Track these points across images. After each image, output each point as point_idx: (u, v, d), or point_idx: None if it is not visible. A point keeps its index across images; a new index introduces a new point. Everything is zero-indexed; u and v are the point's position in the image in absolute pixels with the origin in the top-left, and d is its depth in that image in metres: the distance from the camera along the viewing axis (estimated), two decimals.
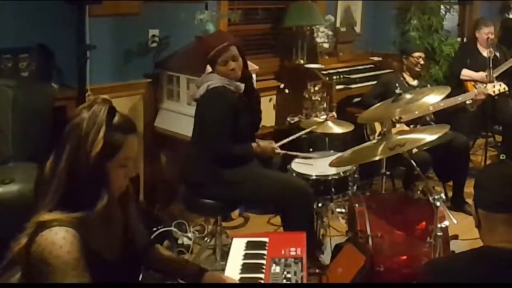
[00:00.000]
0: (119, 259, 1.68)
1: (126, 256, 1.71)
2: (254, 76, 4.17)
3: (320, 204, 3.31)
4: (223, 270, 2.00)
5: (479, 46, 5.21)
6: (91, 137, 1.54)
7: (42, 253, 1.47)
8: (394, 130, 3.94)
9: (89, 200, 1.54)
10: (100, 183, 1.56)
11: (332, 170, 3.20)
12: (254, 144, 3.10)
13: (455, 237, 2.87)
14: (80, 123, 1.56)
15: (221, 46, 3.00)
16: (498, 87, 4.30)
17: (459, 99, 4.16)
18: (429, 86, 4.32)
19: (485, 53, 5.03)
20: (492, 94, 4.32)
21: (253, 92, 3.24)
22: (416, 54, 4.45)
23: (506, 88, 4.35)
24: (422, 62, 4.46)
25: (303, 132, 3.55)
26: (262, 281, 1.89)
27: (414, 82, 4.47)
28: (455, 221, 2.75)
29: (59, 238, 1.47)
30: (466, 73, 5.09)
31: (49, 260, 1.46)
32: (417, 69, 4.46)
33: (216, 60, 3.02)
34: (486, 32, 5.14)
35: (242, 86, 3.08)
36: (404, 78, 4.46)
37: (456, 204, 4.25)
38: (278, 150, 3.22)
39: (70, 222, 1.51)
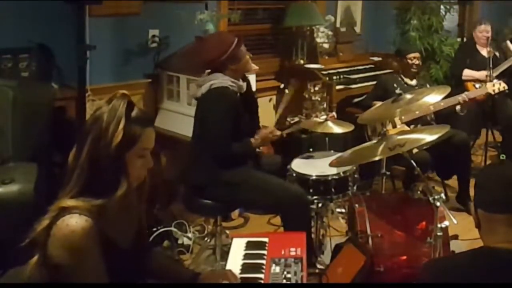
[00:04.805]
0: (131, 248, 1.74)
1: (137, 245, 1.79)
2: (254, 76, 4.19)
3: (320, 204, 3.30)
4: (223, 270, 2.00)
5: (478, 46, 5.22)
6: (112, 129, 1.63)
7: (59, 236, 1.55)
8: (394, 130, 3.96)
9: (109, 188, 1.63)
10: (120, 172, 1.64)
11: (332, 170, 3.20)
12: (252, 139, 3.09)
13: (455, 237, 2.87)
14: (100, 116, 1.65)
15: (237, 40, 3.03)
16: (498, 86, 4.29)
17: (441, 104, 4.04)
18: (428, 85, 4.32)
19: (484, 52, 5.05)
20: (492, 93, 4.31)
21: (251, 94, 3.24)
22: (411, 55, 4.44)
23: (506, 87, 4.33)
24: (417, 62, 4.43)
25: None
26: (262, 281, 1.90)
27: (413, 82, 4.46)
28: (455, 221, 2.75)
29: (75, 224, 1.55)
30: (467, 73, 5.10)
31: (64, 244, 1.55)
32: (413, 70, 4.43)
33: (236, 55, 3.03)
34: (481, 30, 5.16)
35: (245, 85, 3.09)
36: (403, 79, 4.45)
37: (462, 201, 4.24)
38: (277, 132, 3.19)
39: (90, 210, 1.60)
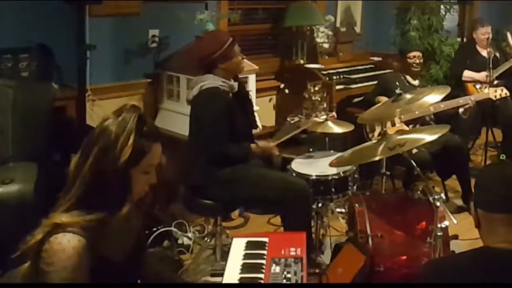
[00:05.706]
0: (127, 262, 1.70)
1: (133, 259, 1.74)
2: (254, 76, 4.19)
3: (320, 204, 3.30)
4: (223, 270, 2.00)
5: (477, 46, 5.22)
6: (121, 143, 1.57)
7: (51, 254, 1.51)
8: (393, 130, 3.96)
9: (108, 202, 1.57)
10: (123, 188, 1.59)
11: (332, 170, 3.20)
12: (253, 145, 3.10)
13: (455, 237, 2.87)
14: (108, 128, 1.59)
15: (231, 40, 3.03)
16: (500, 92, 4.30)
17: (441, 106, 4.04)
18: (429, 86, 4.32)
19: (484, 52, 5.05)
20: (494, 98, 4.32)
21: (245, 92, 3.25)
22: (411, 53, 4.43)
23: (508, 93, 4.34)
24: (418, 61, 4.42)
25: (299, 129, 3.53)
26: (262, 281, 1.89)
27: (415, 82, 4.46)
28: (455, 221, 2.75)
29: (67, 244, 1.51)
30: (467, 74, 5.10)
31: (53, 262, 1.50)
32: (414, 69, 4.43)
33: (227, 54, 3.02)
34: (483, 32, 5.17)
35: (236, 85, 3.09)
36: (405, 78, 4.45)
37: (468, 201, 4.23)
38: (277, 152, 3.22)
39: (85, 227, 1.54)
